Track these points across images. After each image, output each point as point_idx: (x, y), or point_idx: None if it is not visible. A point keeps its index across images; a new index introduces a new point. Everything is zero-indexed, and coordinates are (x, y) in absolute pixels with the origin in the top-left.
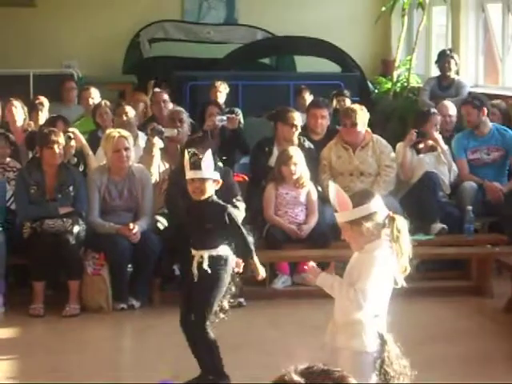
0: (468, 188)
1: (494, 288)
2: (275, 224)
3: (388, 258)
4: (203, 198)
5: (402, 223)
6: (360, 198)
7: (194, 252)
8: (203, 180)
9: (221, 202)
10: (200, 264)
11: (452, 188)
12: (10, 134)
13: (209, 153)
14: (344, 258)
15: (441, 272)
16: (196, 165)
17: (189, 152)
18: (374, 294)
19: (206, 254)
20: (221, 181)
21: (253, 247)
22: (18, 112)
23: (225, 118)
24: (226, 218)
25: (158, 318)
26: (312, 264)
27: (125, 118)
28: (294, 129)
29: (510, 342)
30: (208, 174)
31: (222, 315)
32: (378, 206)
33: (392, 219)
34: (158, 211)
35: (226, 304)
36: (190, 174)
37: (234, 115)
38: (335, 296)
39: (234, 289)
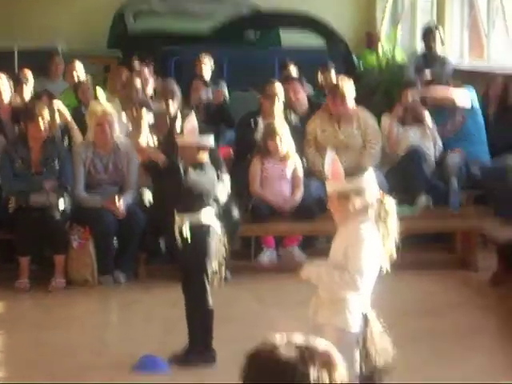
0: (452, 161)
1: (479, 261)
2: (260, 198)
3: (374, 236)
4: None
5: (391, 205)
6: (353, 172)
7: (177, 217)
8: (185, 147)
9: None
10: (180, 230)
11: (437, 162)
12: None
13: (191, 118)
14: (329, 232)
15: (426, 245)
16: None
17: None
18: (368, 271)
19: (187, 217)
20: (208, 149)
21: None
22: (4, 86)
23: (210, 92)
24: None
25: (144, 292)
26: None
27: (134, 92)
28: (276, 100)
29: (496, 314)
30: (190, 140)
31: (215, 279)
32: (369, 182)
33: (381, 200)
34: (144, 185)
35: (217, 267)
36: (181, 142)
37: (219, 89)
38: (326, 284)
39: (223, 251)
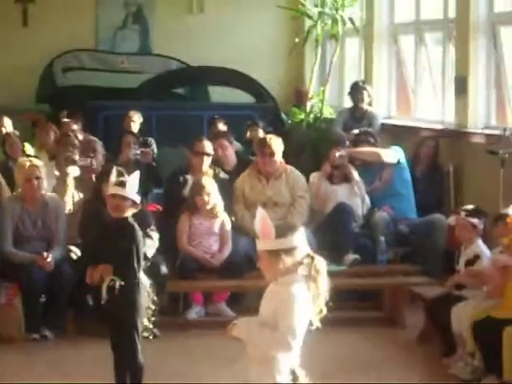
0: (380, 219)
1: (406, 318)
2: (188, 254)
3: (304, 295)
4: (120, 216)
5: (321, 263)
6: (283, 230)
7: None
8: (124, 198)
9: (136, 225)
10: (111, 288)
11: (364, 219)
12: None
13: (136, 175)
14: (258, 289)
15: (353, 302)
16: (121, 182)
17: (116, 169)
18: (300, 331)
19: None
20: (139, 206)
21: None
22: None
23: (139, 151)
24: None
25: (72, 347)
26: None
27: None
28: (204, 157)
29: (421, 372)
30: (131, 194)
31: (146, 334)
32: (299, 241)
33: (311, 258)
34: (72, 241)
35: (147, 322)
36: (112, 189)
37: (148, 149)
38: (257, 343)
39: (152, 306)
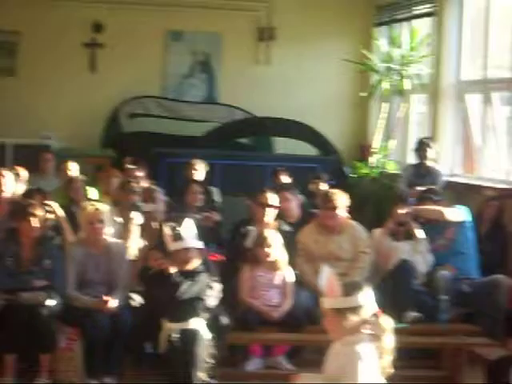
0: (442, 277)
1: (466, 379)
2: (249, 306)
3: (370, 354)
4: (190, 267)
5: (387, 323)
6: (350, 289)
7: (166, 324)
8: (187, 249)
9: (206, 274)
10: (169, 337)
11: (427, 277)
12: None
13: (189, 221)
14: (318, 343)
15: (413, 361)
16: (177, 236)
17: (168, 226)
18: None
19: (176, 326)
20: (203, 252)
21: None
22: (7, 182)
23: (201, 216)
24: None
25: None
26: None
27: (132, 196)
28: (267, 209)
29: None
30: (191, 242)
31: None
32: (366, 300)
33: (377, 317)
34: (133, 289)
35: (203, 376)
36: (173, 246)
37: (211, 213)
38: None
39: (209, 359)
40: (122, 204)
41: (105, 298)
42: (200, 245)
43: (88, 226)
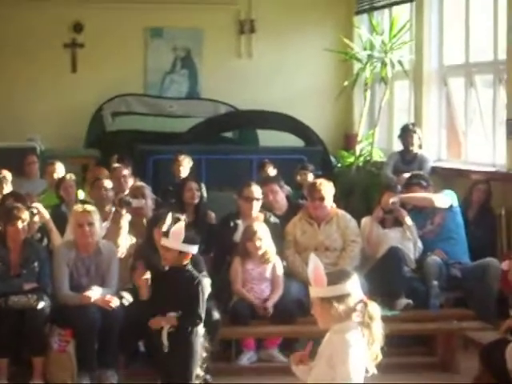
0: (433, 263)
1: (460, 363)
2: (243, 298)
3: (359, 341)
4: (173, 265)
5: (375, 310)
6: (336, 277)
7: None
8: (168, 249)
9: (194, 272)
10: (170, 333)
11: (417, 263)
12: None
13: (180, 224)
14: (311, 334)
15: (406, 348)
16: (166, 233)
17: (173, 216)
18: (358, 377)
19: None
20: (190, 255)
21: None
22: None
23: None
24: (195, 288)
25: None
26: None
27: (103, 192)
28: (254, 202)
29: None
30: (173, 244)
31: (197, 382)
32: (352, 288)
33: (365, 304)
34: (124, 286)
35: (199, 370)
36: (161, 240)
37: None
38: None
39: (204, 354)
40: (95, 201)
41: (87, 293)
42: (185, 249)
43: (77, 228)
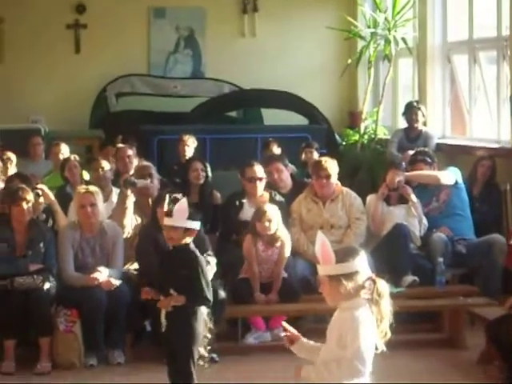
0: (438, 240)
1: (467, 340)
2: (253, 278)
3: (368, 318)
4: (175, 244)
5: (384, 287)
6: (344, 255)
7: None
8: (174, 228)
9: (196, 251)
10: (168, 313)
11: (422, 240)
12: None
13: (183, 201)
14: (317, 312)
15: (412, 325)
16: (169, 212)
17: (171, 196)
18: (369, 354)
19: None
20: (195, 232)
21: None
22: None
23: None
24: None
25: (132, 374)
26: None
27: (101, 172)
28: (257, 182)
29: None
30: (180, 222)
31: (201, 362)
32: (361, 265)
33: (373, 282)
34: (129, 266)
35: (203, 351)
36: (163, 221)
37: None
38: (328, 381)
39: (209, 335)
40: (94, 182)
41: (94, 274)
42: (191, 225)
43: (79, 209)
